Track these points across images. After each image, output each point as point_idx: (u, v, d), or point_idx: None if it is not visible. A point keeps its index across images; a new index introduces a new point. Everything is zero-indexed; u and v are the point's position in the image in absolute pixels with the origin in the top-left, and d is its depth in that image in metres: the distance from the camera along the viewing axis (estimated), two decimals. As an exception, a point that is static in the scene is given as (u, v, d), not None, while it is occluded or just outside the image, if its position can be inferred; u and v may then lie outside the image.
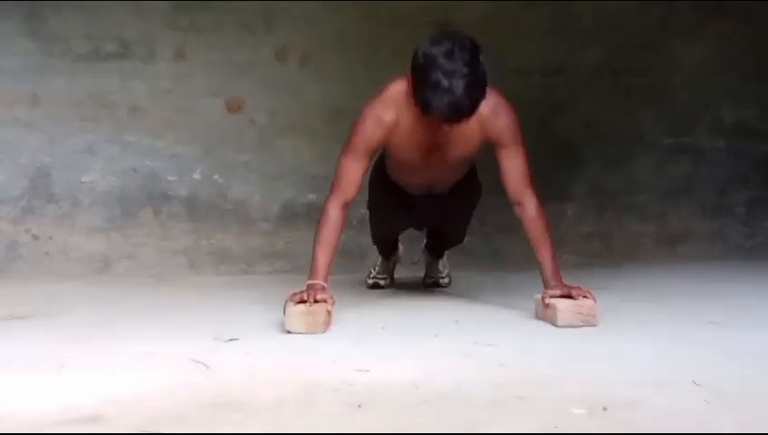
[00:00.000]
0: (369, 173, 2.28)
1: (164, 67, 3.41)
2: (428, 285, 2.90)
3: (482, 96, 1.93)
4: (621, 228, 3.83)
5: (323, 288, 2.02)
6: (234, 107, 3.48)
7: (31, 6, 3.29)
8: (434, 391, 1.34)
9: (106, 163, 3.37)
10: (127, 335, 1.92)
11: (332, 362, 1.58)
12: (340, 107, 3.37)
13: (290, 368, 1.53)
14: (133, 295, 2.75)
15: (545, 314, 2.05)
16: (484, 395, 1.31)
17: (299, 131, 3.51)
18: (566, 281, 2.09)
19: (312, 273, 2.07)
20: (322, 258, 2.08)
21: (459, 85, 1.85)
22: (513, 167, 2.16)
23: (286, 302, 1.96)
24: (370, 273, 2.92)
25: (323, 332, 1.91)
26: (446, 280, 2.89)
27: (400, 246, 2.90)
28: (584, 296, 2.00)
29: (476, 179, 2.52)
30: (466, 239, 2.80)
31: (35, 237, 3.30)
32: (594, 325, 1.96)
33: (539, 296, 2.10)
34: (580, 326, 1.95)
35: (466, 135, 2.12)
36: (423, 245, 2.91)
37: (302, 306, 1.93)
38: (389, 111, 2.11)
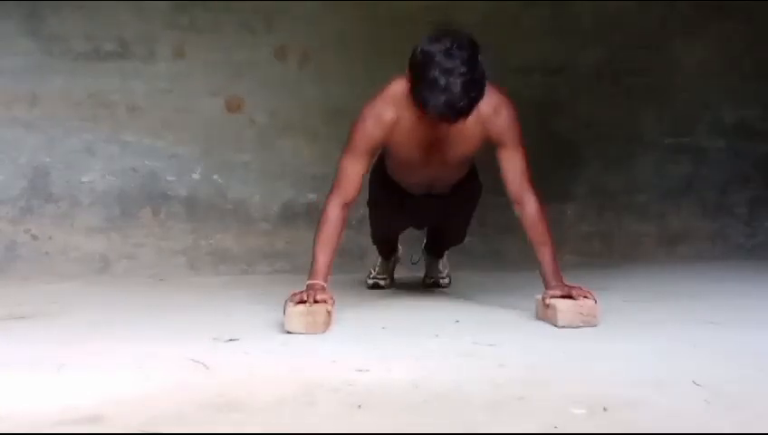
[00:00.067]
0: (369, 172, 2.28)
1: (163, 67, 3.40)
2: (428, 286, 2.90)
3: (480, 95, 1.92)
4: (621, 228, 3.83)
5: (323, 288, 2.02)
6: (233, 107, 3.48)
7: (31, 6, 3.29)
8: (434, 391, 1.34)
9: (105, 163, 3.37)
10: (127, 335, 1.92)
11: (332, 362, 1.58)
12: (340, 107, 3.37)
13: (290, 368, 1.53)
14: (133, 295, 2.75)
15: (545, 314, 2.05)
16: (484, 395, 1.31)
17: (299, 131, 3.51)
18: (566, 281, 2.09)
19: (311, 273, 2.07)
20: (322, 258, 2.08)
21: (457, 84, 1.85)
22: (513, 166, 2.16)
23: (286, 302, 1.96)
24: (370, 273, 2.91)
25: (323, 332, 1.91)
26: (446, 280, 2.89)
27: (400, 246, 2.89)
28: (584, 296, 2.00)
29: (477, 179, 2.52)
30: (466, 239, 2.80)
31: (35, 237, 3.30)
32: (594, 326, 1.96)
33: (539, 296, 2.10)
34: (581, 326, 1.95)
35: (467, 134, 2.11)
36: (423, 245, 2.91)
37: (301, 306, 1.93)
38: (390, 109, 2.11)
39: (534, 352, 1.70)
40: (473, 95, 1.89)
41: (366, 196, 2.53)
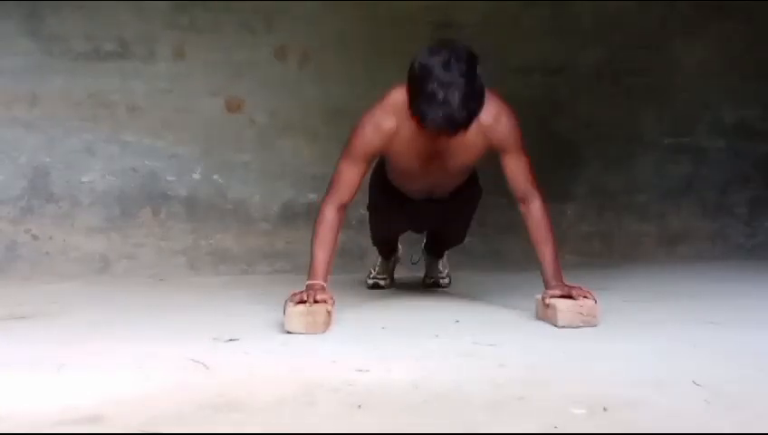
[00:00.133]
0: (369, 176, 2.27)
1: (163, 67, 3.40)
2: (428, 286, 2.90)
3: (479, 107, 1.91)
4: (621, 228, 3.83)
5: (323, 288, 2.02)
6: (233, 107, 3.48)
7: (31, 6, 3.29)
8: (434, 391, 1.34)
9: (105, 163, 3.37)
10: (127, 335, 1.92)
11: (332, 362, 1.58)
12: (340, 107, 3.37)
13: (290, 368, 1.53)
14: (133, 295, 2.75)
15: (545, 314, 2.05)
16: (484, 395, 1.31)
17: (299, 131, 3.51)
18: (566, 281, 2.09)
19: (311, 273, 2.07)
20: (321, 258, 2.08)
21: (455, 97, 1.83)
22: (518, 170, 2.16)
23: (286, 302, 1.96)
24: (370, 273, 2.91)
25: (323, 332, 1.91)
26: (446, 280, 2.89)
27: (400, 246, 2.90)
28: (584, 296, 2.00)
29: (477, 184, 2.51)
30: (467, 240, 2.80)
31: (35, 237, 3.30)
32: (594, 325, 1.96)
33: (539, 296, 2.10)
34: (581, 326, 1.95)
35: (468, 143, 2.10)
36: (423, 245, 2.91)
37: (301, 306, 1.93)
38: (389, 118, 2.10)
39: (534, 352, 1.70)
40: (471, 108, 1.88)
41: (365, 197, 2.54)
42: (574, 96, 3.74)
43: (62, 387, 1.39)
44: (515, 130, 2.15)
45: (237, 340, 1.80)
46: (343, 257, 3.28)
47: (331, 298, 1.98)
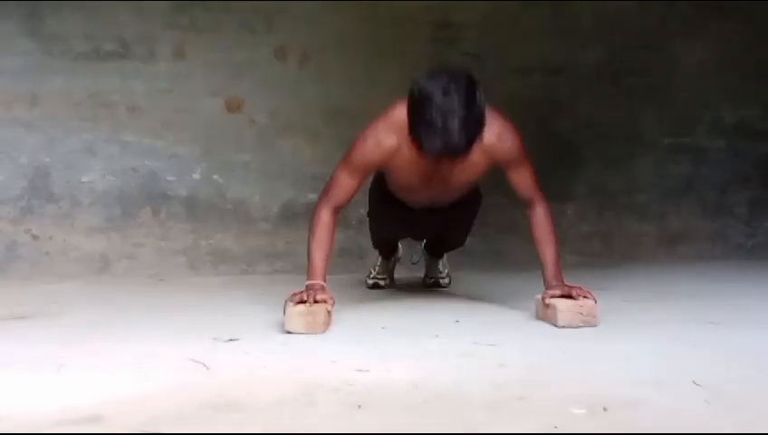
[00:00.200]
0: (369, 183, 2.26)
1: (163, 67, 3.40)
2: (428, 286, 2.90)
3: (478, 132, 1.90)
4: (621, 228, 3.83)
5: (323, 288, 2.02)
6: (233, 107, 3.48)
7: (31, 6, 3.29)
8: (434, 391, 1.34)
9: (105, 163, 3.37)
10: (127, 335, 1.92)
11: (332, 362, 1.58)
12: (340, 107, 3.37)
13: (290, 368, 1.53)
14: (133, 295, 2.75)
15: (546, 314, 2.05)
16: (484, 395, 1.31)
17: (299, 131, 3.51)
18: (567, 281, 2.09)
19: (309, 273, 2.07)
20: (319, 258, 2.08)
21: (454, 125, 1.83)
22: (523, 179, 2.18)
23: (286, 302, 1.96)
24: (370, 273, 2.91)
25: (323, 332, 1.91)
26: (447, 280, 2.89)
27: (400, 246, 2.90)
28: (584, 296, 2.00)
29: (477, 191, 2.51)
30: (467, 240, 2.79)
31: (35, 237, 3.30)
32: (594, 325, 1.96)
33: (539, 296, 2.10)
34: (581, 326, 1.95)
35: (471, 162, 2.08)
36: (422, 245, 2.91)
37: (301, 306, 1.93)
38: (391, 136, 2.08)
39: (534, 352, 1.70)
40: (471, 135, 1.87)
41: (365, 197, 2.53)
42: (574, 96, 3.74)
43: (62, 387, 1.39)
44: (519, 146, 2.14)
45: (237, 340, 1.80)
46: (343, 257, 3.29)
47: (331, 298, 1.98)
